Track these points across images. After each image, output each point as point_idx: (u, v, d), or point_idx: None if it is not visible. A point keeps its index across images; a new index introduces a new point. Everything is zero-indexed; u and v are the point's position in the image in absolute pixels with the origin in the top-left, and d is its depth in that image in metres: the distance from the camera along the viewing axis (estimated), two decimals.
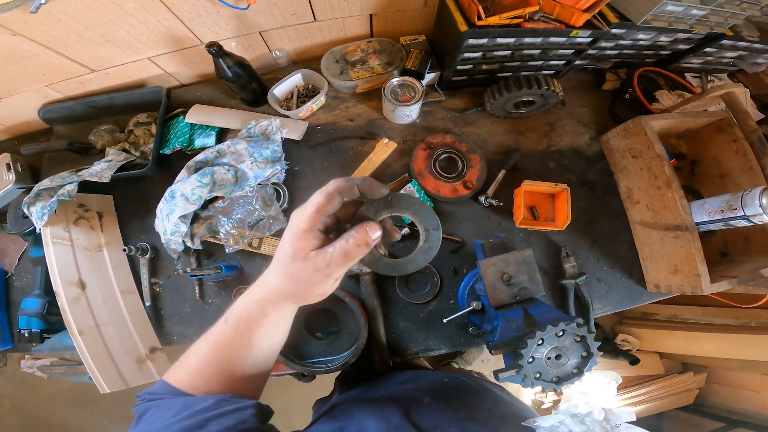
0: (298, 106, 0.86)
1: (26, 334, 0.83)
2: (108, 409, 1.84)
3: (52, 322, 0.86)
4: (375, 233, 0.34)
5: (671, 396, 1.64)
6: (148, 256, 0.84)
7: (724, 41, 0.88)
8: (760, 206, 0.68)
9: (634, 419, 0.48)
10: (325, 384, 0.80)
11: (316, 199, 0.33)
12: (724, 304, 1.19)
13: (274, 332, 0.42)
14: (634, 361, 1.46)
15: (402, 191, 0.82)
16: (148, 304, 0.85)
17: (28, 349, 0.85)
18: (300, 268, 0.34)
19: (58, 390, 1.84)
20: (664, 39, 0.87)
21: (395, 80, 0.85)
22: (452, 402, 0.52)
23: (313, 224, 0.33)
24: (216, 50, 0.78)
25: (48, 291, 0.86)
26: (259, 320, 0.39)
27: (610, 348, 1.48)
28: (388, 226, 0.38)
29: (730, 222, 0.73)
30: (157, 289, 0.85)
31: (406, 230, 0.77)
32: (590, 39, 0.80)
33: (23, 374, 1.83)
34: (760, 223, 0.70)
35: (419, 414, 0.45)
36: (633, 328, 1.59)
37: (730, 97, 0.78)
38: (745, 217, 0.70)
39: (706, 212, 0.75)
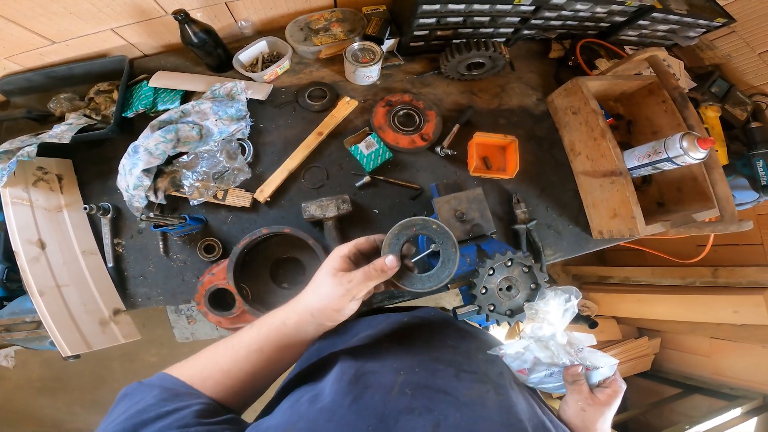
0: (262, 71, 0.89)
1: None
2: (80, 396, 1.79)
3: (11, 289, 0.85)
4: (391, 262, 0.44)
5: (630, 361, 1.75)
6: (110, 216, 0.84)
7: (655, 14, 0.98)
8: (681, 148, 0.76)
9: (595, 343, 0.51)
10: None
11: (359, 239, 0.48)
12: (670, 262, 1.29)
13: (284, 351, 0.45)
14: (593, 324, 1.55)
15: (364, 139, 0.86)
16: (110, 265, 0.84)
17: None
18: (327, 283, 0.44)
19: (25, 379, 1.78)
20: (600, 10, 0.96)
21: (356, 45, 0.90)
22: (414, 343, 0.51)
23: (349, 252, 0.46)
24: (182, 17, 0.80)
25: (8, 257, 0.83)
26: (279, 329, 0.44)
27: None
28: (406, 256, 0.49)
29: (657, 165, 0.81)
30: (120, 250, 0.85)
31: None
32: (533, 7, 0.87)
33: None
34: (683, 164, 0.79)
35: (379, 363, 0.43)
36: (591, 293, 1.69)
37: (653, 60, 0.88)
38: (669, 159, 0.79)
39: (636, 158, 0.83)
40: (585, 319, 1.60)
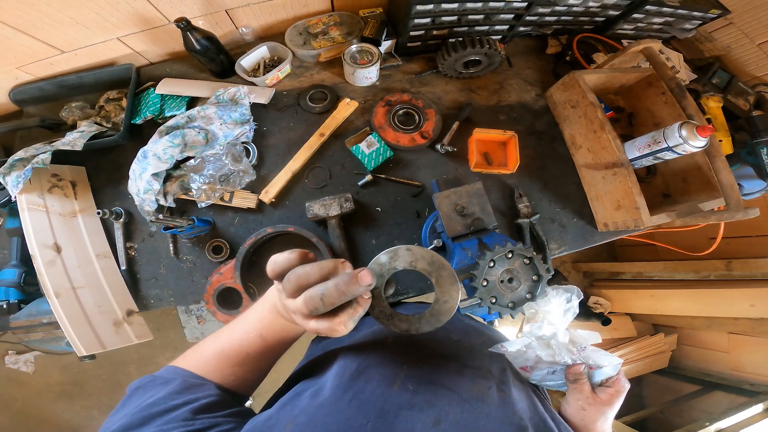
0: (264, 75, 0.92)
1: (4, 306, 0.84)
2: (98, 400, 1.83)
3: (29, 292, 0.87)
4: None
5: (646, 358, 1.71)
6: (122, 220, 0.87)
7: (649, 7, 0.98)
8: (680, 137, 0.76)
9: (600, 341, 0.50)
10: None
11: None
12: (682, 256, 1.27)
13: (286, 335, 0.43)
14: (605, 321, 1.53)
15: (364, 138, 0.87)
16: (123, 268, 0.87)
17: (6, 321, 0.85)
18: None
19: (44, 384, 1.82)
20: (593, 4, 0.96)
21: (354, 47, 0.92)
22: (417, 337, 0.48)
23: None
24: (184, 25, 0.83)
25: (25, 261, 0.87)
26: (279, 314, 0.42)
27: (583, 311, 1.55)
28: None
29: (658, 154, 0.81)
30: (133, 253, 0.88)
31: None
32: (525, 3, 0.88)
33: (9, 371, 1.81)
34: (684, 152, 0.79)
35: (381, 357, 0.43)
36: (603, 290, 1.66)
37: (649, 52, 0.88)
38: (669, 148, 0.78)
39: (637, 148, 0.83)
40: (598, 317, 1.58)
